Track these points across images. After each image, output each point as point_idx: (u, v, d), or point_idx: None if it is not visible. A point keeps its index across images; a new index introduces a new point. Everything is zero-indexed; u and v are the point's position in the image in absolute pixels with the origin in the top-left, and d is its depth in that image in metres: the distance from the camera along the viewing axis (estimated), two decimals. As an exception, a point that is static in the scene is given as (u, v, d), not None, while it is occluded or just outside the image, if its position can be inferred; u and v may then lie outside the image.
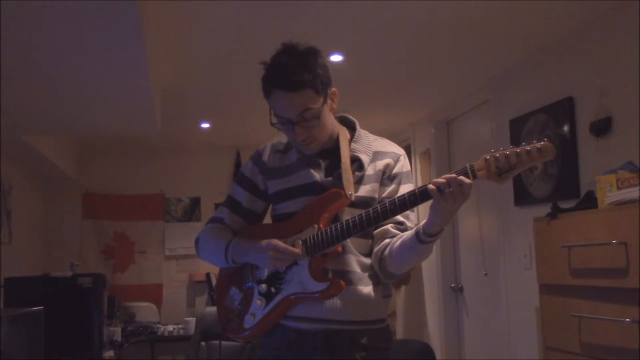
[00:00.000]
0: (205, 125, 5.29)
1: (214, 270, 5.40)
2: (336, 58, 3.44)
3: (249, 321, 1.73)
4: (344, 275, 1.66)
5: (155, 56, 3.16)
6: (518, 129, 3.59)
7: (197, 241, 1.86)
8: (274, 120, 1.69)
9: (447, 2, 2.75)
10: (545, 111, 3.36)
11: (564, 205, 2.68)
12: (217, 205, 6.10)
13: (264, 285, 1.71)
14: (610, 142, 2.89)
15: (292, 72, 1.61)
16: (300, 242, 1.66)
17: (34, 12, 2.12)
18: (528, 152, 1.44)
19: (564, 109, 3.19)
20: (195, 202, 6.23)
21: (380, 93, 4.37)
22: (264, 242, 1.67)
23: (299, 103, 1.63)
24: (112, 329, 4.73)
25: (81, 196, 6.04)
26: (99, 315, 4.10)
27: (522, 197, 3.58)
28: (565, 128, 3.19)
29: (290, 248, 1.64)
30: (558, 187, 3.25)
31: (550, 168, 3.30)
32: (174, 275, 6.13)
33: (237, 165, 6.14)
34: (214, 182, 6.14)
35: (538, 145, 1.44)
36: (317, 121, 1.66)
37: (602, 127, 2.91)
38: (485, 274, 4.29)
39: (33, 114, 3.60)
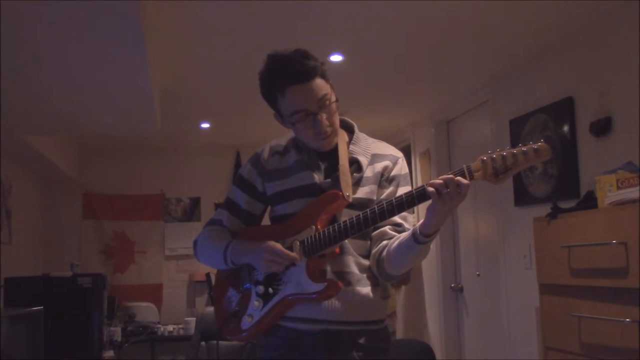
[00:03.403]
0: (205, 125, 5.29)
1: (214, 271, 5.40)
2: (336, 58, 3.44)
3: (246, 322, 1.73)
4: (343, 276, 1.66)
5: (155, 56, 3.16)
6: (518, 129, 3.59)
7: (195, 243, 1.86)
8: (290, 120, 1.69)
9: (447, 2, 2.75)
10: (545, 111, 3.35)
11: (564, 205, 2.69)
12: (217, 205, 6.10)
13: (261, 287, 1.71)
14: (610, 142, 2.89)
15: (301, 64, 1.64)
16: (298, 243, 1.66)
17: (34, 13, 2.12)
18: (524, 152, 1.45)
19: (564, 109, 3.19)
20: (195, 202, 6.24)
21: (380, 93, 4.37)
22: (263, 244, 1.67)
23: (316, 91, 1.66)
24: (112, 329, 4.73)
25: (81, 196, 6.04)
26: (99, 315, 4.10)
27: (522, 197, 3.58)
28: (565, 128, 3.18)
29: (287, 252, 1.64)
30: (558, 187, 3.25)
31: (550, 168, 3.30)
32: (174, 275, 6.13)
33: (237, 165, 6.14)
34: (214, 182, 6.14)
35: (534, 145, 1.45)
36: (334, 106, 1.69)
37: (602, 127, 2.90)
38: (478, 275, 4.30)
39: (33, 114, 3.60)
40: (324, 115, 1.67)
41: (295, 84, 1.65)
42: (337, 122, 1.74)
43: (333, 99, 1.69)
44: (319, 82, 1.66)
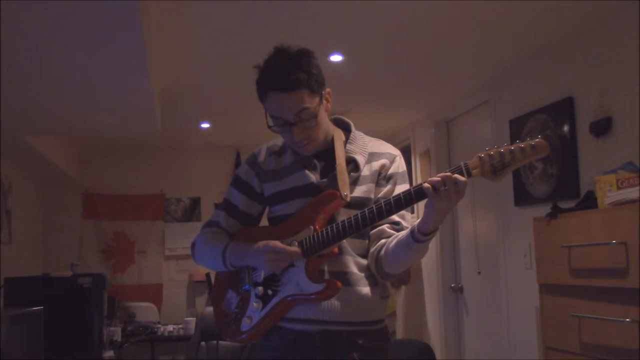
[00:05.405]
0: (205, 125, 5.29)
1: (214, 271, 5.39)
2: (336, 58, 3.43)
3: (246, 324, 1.72)
4: (342, 276, 1.66)
5: (155, 56, 3.16)
6: (518, 129, 3.59)
7: (193, 246, 1.86)
8: (271, 122, 1.69)
9: (447, 2, 2.75)
10: (545, 111, 3.35)
11: (564, 205, 2.68)
12: (217, 205, 6.09)
13: (260, 288, 1.71)
14: (610, 142, 2.89)
15: (287, 72, 1.62)
16: (297, 244, 1.65)
17: (34, 12, 2.12)
18: (522, 149, 1.45)
19: (564, 109, 3.19)
20: (195, 202, 6.24)
21: (380, 93, 4.37)
22: (262, 243, 1.66)
23: (295, 103, 1.63)
24: (112, 329, 4.73)
25: (81, 196, 6.04)
26: (99, 315, 4.10)
27: (522, 197, 3.58)
28: (565, 128, 3.18)
29: (288, 247, 1.63)
30: (558, 187, 3.24)
31: (550, 168, 3.30)
32: (174, 275, 6.13)
33: (237, 165, 6.14)
34: (214, 182, 6.14)
35: (532, 142, 1.45)
36: (314, 121, 1.67)
37: (602, 127, 2.90)
38: (479, 273, 4.30)
39: (33, 114, 3.60)
40: (300, 127, 1.66)
41: (276, 91, 1.64)
42: (318, 134, 1.71)
43: (315, 113, 1.66)
44: (301, 94, 1.63)
